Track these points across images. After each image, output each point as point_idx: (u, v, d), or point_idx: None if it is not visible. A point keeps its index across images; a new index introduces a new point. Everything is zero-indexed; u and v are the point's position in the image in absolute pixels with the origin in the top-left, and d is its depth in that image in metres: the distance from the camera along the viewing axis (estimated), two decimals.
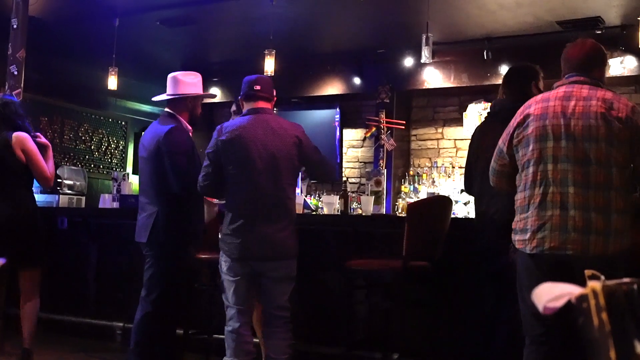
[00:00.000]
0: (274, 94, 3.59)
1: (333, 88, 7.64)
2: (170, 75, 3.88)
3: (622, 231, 2.65)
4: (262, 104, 3.48)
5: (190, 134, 3.83)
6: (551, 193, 2.74)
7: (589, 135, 2.69)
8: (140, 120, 9.60)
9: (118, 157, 9.41)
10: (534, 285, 1.02)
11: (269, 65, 6.39)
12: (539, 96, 2.92)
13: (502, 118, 3.62)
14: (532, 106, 2.88)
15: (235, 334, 3.36)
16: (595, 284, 0.94)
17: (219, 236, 3.46)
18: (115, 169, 9.13)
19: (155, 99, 3.96)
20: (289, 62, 7.11)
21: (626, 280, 1.01)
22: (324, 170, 3.66)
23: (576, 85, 2.83)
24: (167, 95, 3.84)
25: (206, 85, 8.35)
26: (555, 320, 2.64)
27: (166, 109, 3.85)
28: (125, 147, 9.51)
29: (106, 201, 5.87)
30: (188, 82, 3.85)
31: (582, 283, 1.00)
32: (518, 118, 2.92)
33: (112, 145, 9.25)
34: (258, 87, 3.49)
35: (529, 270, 2.78)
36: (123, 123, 9.41)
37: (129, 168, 9.39)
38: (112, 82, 6.95)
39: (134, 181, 6.08)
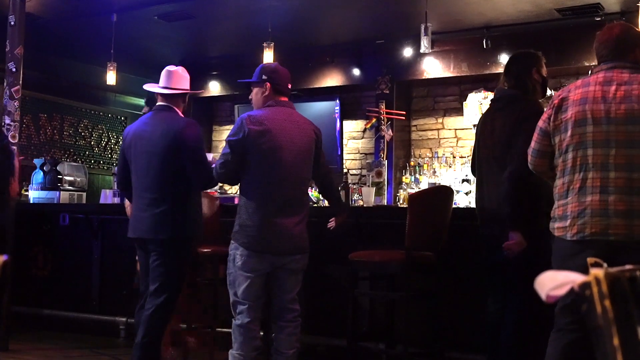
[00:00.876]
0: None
1: (332, 80, 7.64)
2: (167, 69, 3.91)
3: None
4: (286, 98, 3.55)
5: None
6: (591, 178, 2.70)
7: (633, 119, 2.65)
8: (137, 115, 9.61)
9: (118, 152, 9.42)
10: (575, 272, 1.02)
11: (268, 58, 6.38)
12: (579, 81, 2.90)
13: (502, 106, 3.63)
14: (572, 91, 2.84)
15: (245, 329, 3.36)
16: (597, 271, 0.94)
17: (235, 228, 3.42)
18: (116, 165, 9.14)
19: (150, 88, 3.95)
20: (287, 55, 7.10)
21: (629, 267, 1.02)
22: (330, 177, 3.74)
23: (616, 70, 2.80)
24: (164, 87, 3.86)
25: (205, 79, 8.39)
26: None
27: (162, 102, 3.86)
28: None
29: (107, 197, 5.88)
30: (186, 77, 3.89)
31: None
32: (555, 101, 2.88)
33: (112, 141, 9.26)
34: (290, 86, 3.56)
35: (571, 257, 2.70)
36: (122, 118, 9.41)
37: None
38: (111, 78, 6.95)
39: None
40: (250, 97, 3.59)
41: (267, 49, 6.35)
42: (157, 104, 3.88)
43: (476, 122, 6.42)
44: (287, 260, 3.41)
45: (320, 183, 3.74)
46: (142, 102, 9.55)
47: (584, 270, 1.00)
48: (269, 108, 3.46)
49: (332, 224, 3.79)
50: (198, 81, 8.23)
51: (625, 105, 2.68)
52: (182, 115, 3.87)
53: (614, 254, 2.55)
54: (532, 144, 2.98)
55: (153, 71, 8.45)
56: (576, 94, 2.82)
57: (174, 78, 3.87)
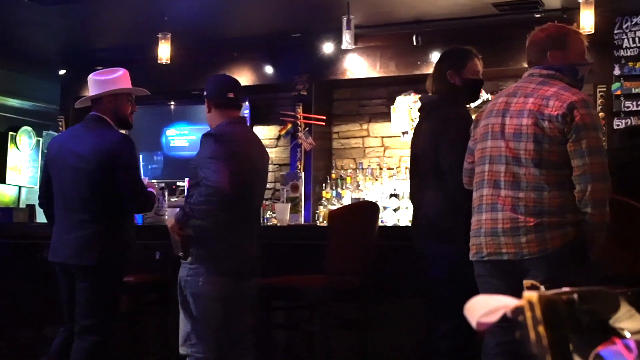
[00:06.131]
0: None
1: (241, 78, 7.60)
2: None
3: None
4: (238, 113, 3.86)
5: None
6: (485, 195, 3.02)
7: (519, 135, 2.93)
8: (8, 118, 9.36)
9: None
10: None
11: (164, 51, 6.34)
12: (501, 91, 3.22)
13: (425, 115, 3.80)
14: (490, 102, 3.18)
15: None
16: (531, 295, 1.01)
17: (200, 251, 3.55)
18: None
19: (77, 105, 4.26)
20: (187, 49, 7.06)
21: (566, 289, 1.09)
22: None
23: (527, 79, 3.08)
24: (81, 99, 4.16)
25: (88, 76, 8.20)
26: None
27: (93, 112, 4.02)
28: None
29: None
30: (100, 80, 4.04)
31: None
32: (476, 115, 3.23)
33: None
34: (231, 95, 3.77)
35: (478, 277, 3.08)
36: None
37: None
38: None
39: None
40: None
41: (162, 40, 6.31)
42: (89, 113, 4.04)
43: (405, 129, 6.60)
44: (247, 284, 3.64)
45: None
46: (10, 101, 9.29)
47: (493, 292, 1.07)
48: (234, 125, 3.73)
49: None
50: (80, 77, 8.03)
51: (516, 120, 2.95)
52: (115, 123, 4.00)
53: (520, 272, 2.83)
54: (464, 162, 3.26)
55: (27, 65, 8.29)
56: (489, 106, 3.13)
57: (90, 86, 4.08)
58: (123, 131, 4.11)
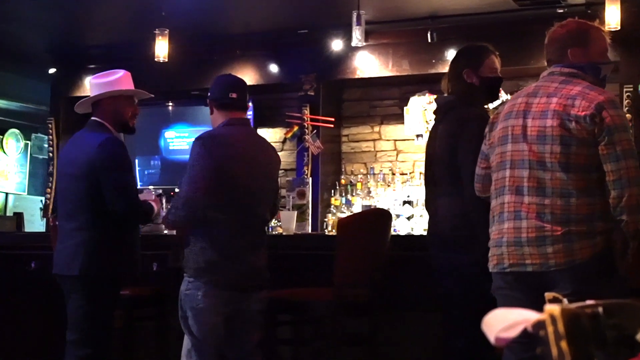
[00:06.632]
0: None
1: (244, 77, 7.53)
2: None
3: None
4: (241, 114, 3.91)
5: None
6: (507, 203, 3.01)
7: (544, 137, 2.92)
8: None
9: None
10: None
11: (161, 49, 6.35)
12: (518, 92, 3.19)
13: (440, 117, 3.82)
14: (507, 104, 3.15)
15: None
16: (553, 308, 1.02)
17: (196, 263, 3.59)
18: None
19: (77, 109, 4.26)
20: (187, 46, 7.08)
21: (591, 302, 1.10)
22: (277, 207, 4.14)
23: (548, 79, 3.07)
24: (80, 101, 4.18)
25: (83, 73, 8.23)
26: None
27: (91, 117, 4.09)
28: None
29: None
30: (99, 82, 4.09)
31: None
32: (492, 118, 3.21)
33: None
34: (234, 95, 3.84)
35: (497, 289, 3.06)
36: None
37: None
38: None
39: None
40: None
41: (159, 37, 6.32)
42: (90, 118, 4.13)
43: (419, 132, 6.62)
44: (253, 298, 3.64)
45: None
46: (0, 103, 9.34)
47: (514, 306, 1.07)
48: (227, 127, 3.76)
49: None
50: (71, 76, 8.10)
51: (539, 122, 2.95)
52: (114, 127, 4.05)
53: (545, 285, 2.79)
54: (476, 167, 3.27)
55: (13, 64, 8.31)
56: (507, 107, 3.12)
57: (90, 89, 4.14)
58: (122, 135, 4.20)
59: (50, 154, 7.90)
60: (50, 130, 7.95)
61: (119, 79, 4.10)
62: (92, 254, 3.80)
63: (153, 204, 4.03)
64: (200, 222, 3.64)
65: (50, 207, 7.51)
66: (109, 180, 3.82)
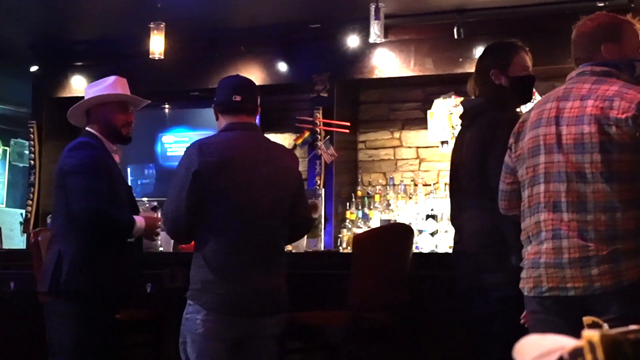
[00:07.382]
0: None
1: (249, 77, 7.65)
2: None
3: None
4: (247, 118, 3.83)
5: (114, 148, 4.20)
6: (543, 220, 2.97)
7: (582, 146, 2.90)
8: None
9: None
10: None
11: (157, 44, 6.36)
12: (544, 96, 3.15)
13: (468, 122, 3.83)
14: (534, 110, 3.11)
15: None
16: (592, 334, 1.02)
17: (195, 285, 3.60)
18: None
19: (69, 118, 4.36)
20: (186, 41, 7.11)
21: (634, 327, 1.11)
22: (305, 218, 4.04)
23: (580, 80, 3.05)
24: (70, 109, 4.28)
25: (69, 71, 8.25)
26: None
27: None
28: None
29: None
30: (89, 90, 4.25)
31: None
32: (516, 127, 3.15)
33: None
34: (238, 98, 3.79)
35: (532, 314, 3.05)
36: None
37: None
38: None
39: None
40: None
41: (155, 31, 6.35)
42: None
43: (444, 138, 6.62)
44: (263, 323, 3.60)
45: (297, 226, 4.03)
46: None
47: (550, 331, 1.08)
48: (226, 132, 3.76)
49: None
50: (56, 75, 8.10)
51: (575, 129, 2.91)
52: (103, 134, 4.14)
53: (587, 309, 2.76)
54: (500, 183, 3.25)
55: None
56: (534, 115, 3.08)
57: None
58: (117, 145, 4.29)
59: (32, 162, 7.83)
60: (32, 135, 7.85)
61: (109, 85, 4.17)
62: (60, 270, 3.80)
63: (137, 217, 4.03)
64: (189, 238, 3.66)
65: (32, 221, 7.53)
66: (72, 182, 3.89)
